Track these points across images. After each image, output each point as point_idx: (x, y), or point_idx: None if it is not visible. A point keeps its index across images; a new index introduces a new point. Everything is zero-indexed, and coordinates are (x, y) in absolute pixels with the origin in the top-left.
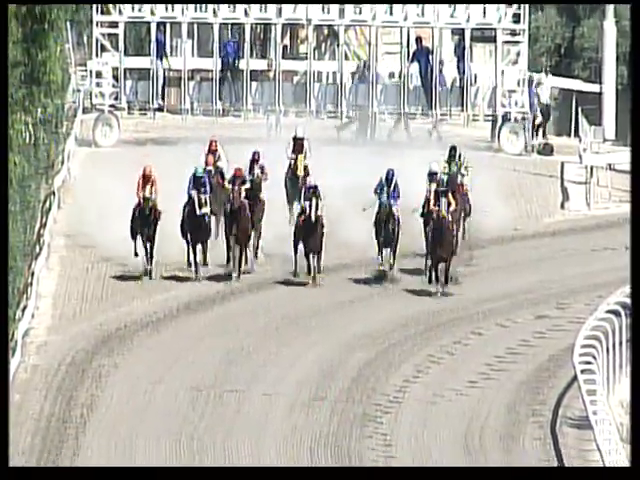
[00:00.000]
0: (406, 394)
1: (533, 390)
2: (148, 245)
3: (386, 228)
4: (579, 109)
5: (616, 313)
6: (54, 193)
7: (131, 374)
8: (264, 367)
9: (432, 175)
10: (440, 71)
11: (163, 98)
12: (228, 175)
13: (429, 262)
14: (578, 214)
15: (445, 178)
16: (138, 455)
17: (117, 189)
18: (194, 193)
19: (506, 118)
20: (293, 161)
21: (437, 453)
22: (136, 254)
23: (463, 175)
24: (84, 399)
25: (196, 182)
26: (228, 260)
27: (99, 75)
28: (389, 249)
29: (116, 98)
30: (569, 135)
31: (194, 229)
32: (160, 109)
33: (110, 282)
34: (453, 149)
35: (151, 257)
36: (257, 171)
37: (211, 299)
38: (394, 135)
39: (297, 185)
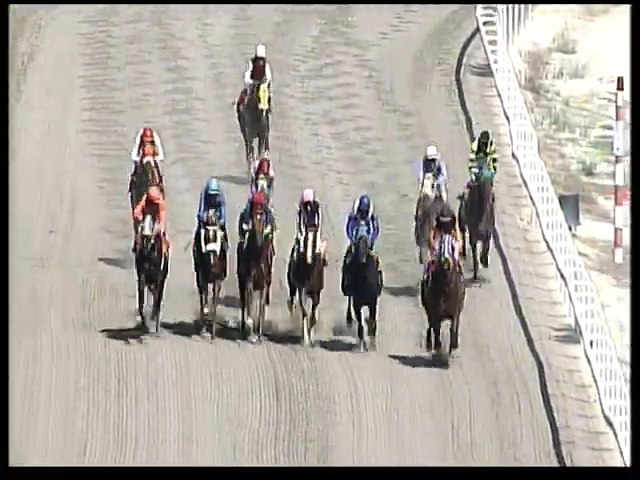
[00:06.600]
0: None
1: (439, 40)
2: (152, 297)
3: (364, 277)
4: None
5: None
6: None
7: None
8: None
9: (429, 163)
10: None
11: None
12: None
13: (427, 321)
14: None
15: (467, 190)
16: (66, 177)
17: None
18: (205, 218)
19: None
20: (254, 89)
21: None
22: (141, 314)
23: (493, 175)
24: (24, 49)
25: (209, 201)
26: (243, 311)
27: None
28: (368, 307)
29: None
30: None
31: (202, 268)
32: None
33: None
34: (485, 135)
35: (156, 312)
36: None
37: None
38: None
39: (259, 121)
